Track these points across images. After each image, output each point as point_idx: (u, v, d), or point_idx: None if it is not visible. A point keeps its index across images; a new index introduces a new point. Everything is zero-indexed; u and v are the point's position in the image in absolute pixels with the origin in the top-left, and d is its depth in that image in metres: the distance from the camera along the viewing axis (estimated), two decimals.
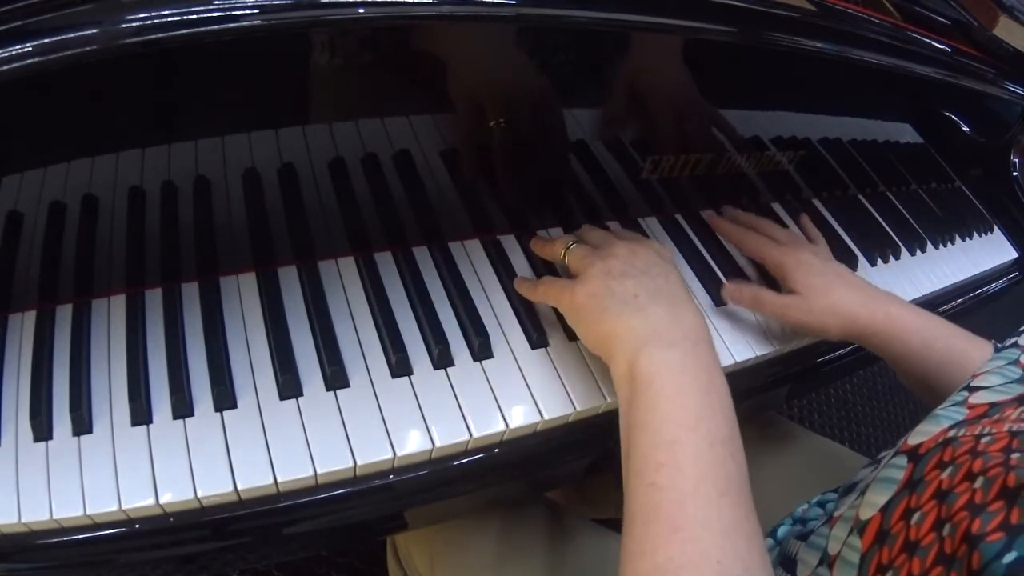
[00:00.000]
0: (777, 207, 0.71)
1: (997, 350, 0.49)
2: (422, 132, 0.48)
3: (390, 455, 0.43)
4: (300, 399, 0.44)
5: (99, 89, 0.37)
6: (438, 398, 0.46)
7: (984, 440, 0.31)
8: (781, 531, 0.52)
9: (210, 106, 0.42)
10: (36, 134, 0.39)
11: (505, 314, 0.52)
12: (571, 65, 0.49)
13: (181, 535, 0.41)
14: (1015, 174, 0.88)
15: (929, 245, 0.77)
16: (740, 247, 0.62)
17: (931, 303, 0.72)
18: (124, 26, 0.33)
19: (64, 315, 0.45)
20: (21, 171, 0.39)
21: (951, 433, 0.34)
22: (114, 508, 0.38)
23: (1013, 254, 0.87)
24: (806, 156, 0.69)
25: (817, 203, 0.74)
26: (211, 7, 0.34)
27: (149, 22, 0.33)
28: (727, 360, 0.54)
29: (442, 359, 0.48)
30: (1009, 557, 0.26)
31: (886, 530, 0.33)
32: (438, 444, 0.44)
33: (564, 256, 0.50)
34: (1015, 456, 0.29)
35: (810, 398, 1.50)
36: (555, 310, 0.53)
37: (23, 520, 0.38)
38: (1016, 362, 0.39)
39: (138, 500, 0.39)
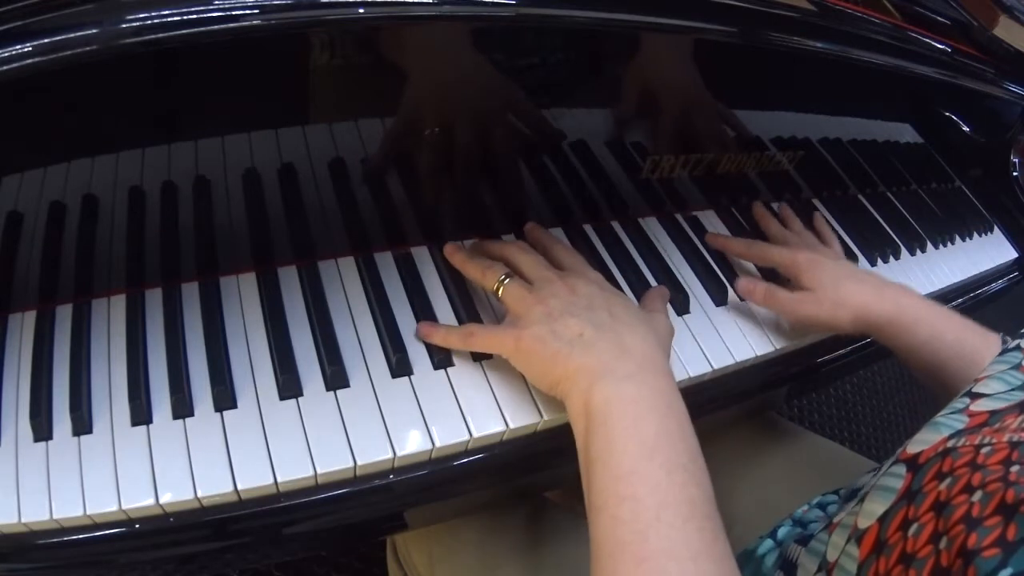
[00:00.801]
0: (777, 207, 0.71)
1: (1005, 343, 0.49)
2: (422, 132, 0.48)
3: (390, 455, 0.43)
4: (300, 399, 0.44)
5: (99, 89, 0.37)
6: (438, 398, 0.46)
7: (984, 451, 0.31)
8: (781, 532, 0.52)
9: (210, 106, 0.42)
10: (36, 134, 0.39)
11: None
12: (571, 65, 0.49)
13: (181, 535, 0.41)
14: (1015, 174, 0.88)
15: (929, 245, 0.77)
16: (748, 259, 0.63)
17: None
18: (124, 26, 0.33)
19: (64, 315, 0.45)
20: (21, 171, 0.39)
21: (951, 443, 0.34)
22: (114, 508, 0.38)
23: (1013, 254, 0.87)
24: (806, 156, 0.69)
25: (817, 203, 0.74)
26: (211, 7, 0.34)
27: (149, 22, 0.33)
28: (727, 360, 0.54)
29: (442, 359, 0.48)
30: (1004, 573, 0.26)
31: (883, 540, 0.33)
32: (438, 444, 0.44)
33: (498, 290, 0.47)
34: (1014, 469, 0.29)
35: (810, 398, 1.50)
36: None
37: (23, 520, 0.38)
38: (1018, 367, 0.39)
39: (138, 500, 0.39)
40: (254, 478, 0.40)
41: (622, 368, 0.41)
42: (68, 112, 0.38)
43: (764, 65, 0.58)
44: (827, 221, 0.72)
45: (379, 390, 0.46)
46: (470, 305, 0.51)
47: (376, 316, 0.49)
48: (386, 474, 0.44)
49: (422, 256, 0.54)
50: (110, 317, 0.46)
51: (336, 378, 0.45)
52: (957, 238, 0.81)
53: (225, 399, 0.43)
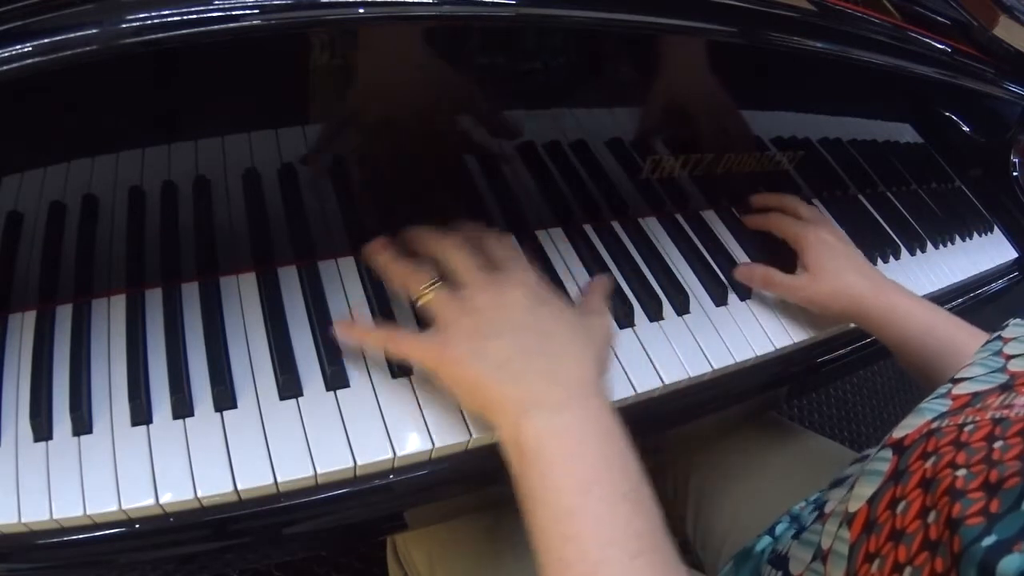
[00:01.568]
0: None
1: (986, 343, 0.50)
2: (422, 132, 0.48)
3: (390, 455, 0.43)
4: (300, 399, 0.44)
5: (99, 89, 0.37)
6: (438, 398, 0.46)
7: (967, 429, 0.32)
8: (779, 529, 0.52)
9: (210, 106, 0.42)
10: (36, 134, 0.39)
11: None
12: (571, 65, 0.49)
13: (181, 535, 0.41)
14: (1015, 174, 0.88)
15: (929, 245, 0.77)
16: (765, 227, 0.64)
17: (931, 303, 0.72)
18: (124, 26, 0.33)
19: (64, 315, 0.45)
20: (21, 171, 0.39)
21: (934, 424, 0.34)
22: (114, 508, 0.38)
23: (1013, 254, 0.86)
24: (806, 156, 0.69)
25: (817, 203, 0.74)
26: (211, 7, 0.34)
27: (149, 22, 0.33)
28: (727, 361, 0.54)
29: None
30: (988, 540, 0.26)
31: (872, 520, 0.34)
32: (438, 444, 0.44)
33: (420, 299, 0.44)
34: (997, 446, 0.29)
35: (810, 398, 1.50)
36: None
37: (23, 520, 0.38)
38: (999, 352, 0.39)
39: (138, 500, 0.39)
40: (254, 478, 0.40)
41: (552, 397, 0.39)
42: (68, 112, 0.38)
43: (764, 65, 0.58)
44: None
45: (379, 390, 0.45)
46: None
47: (376, 316, 0.49)
48: (386, 474, 0.44)
49: None
50: (110, 317, 0.46)
51: (336, 378, 0.45)
52: (957, 238, 0.81)
53: (225, 399, 0.43)
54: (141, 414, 0.42)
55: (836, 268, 0.56)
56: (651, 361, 0.52)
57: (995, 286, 0.83)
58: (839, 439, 1.34)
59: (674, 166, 0.61)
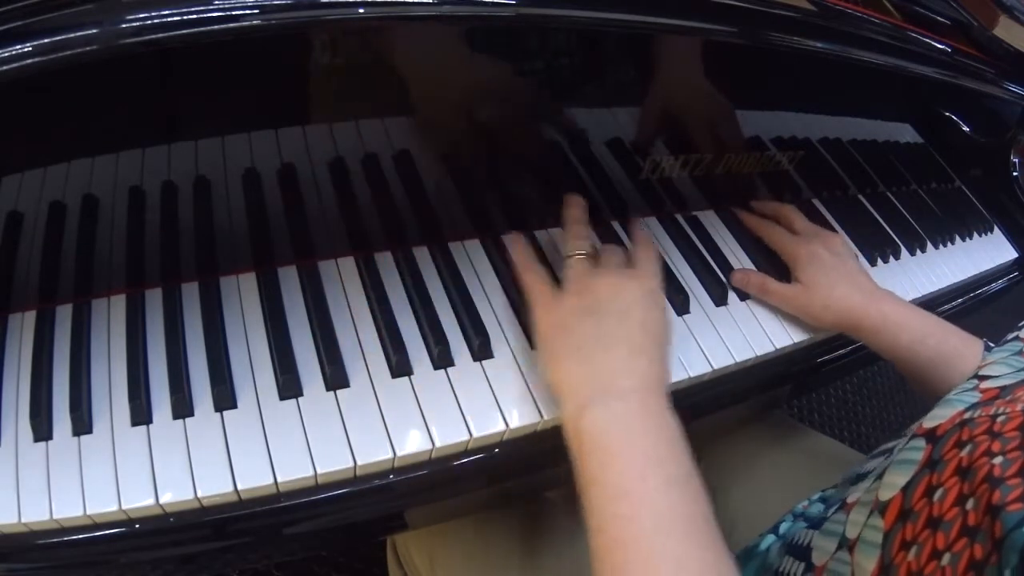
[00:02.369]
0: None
1: (988, 349, 0.50)
2: (422, 132, 0.48)
3: (390, 455, 0.43)
4: (300, 399, 0.44)
5: (99, 89, 0.37)
6: (438, 398, 0.46)
7: (999, 420, 0.32)
8: (783, 527, 0.53)
9: (210, 106, 0.42)
10: (36, 134, 0.39)
11: (505, 314, 0.52)
12: (571, 65, 0.49)
13: (181, 535, 0.41)
14: (1015, 174, 0.88)
15: (929, 245, 0.77)
16: (760, 236, 0.65)
17: (931, 303, 0.72)
18: (124, 26, 0.33)
19: (64, 315, 0.45)
20: (21, 171, 0.39)
21: (967, 415, 0.35)
22: (114, 508, 0.38)
23: (1013, 254, 0.86)
24: (806, 156, 0.69)
25: (817, 203, 0.74)
26: (211, 7, 0.34)
27: (149, 22, 0.33)
28: (727, 361, 0.54)
29: (442, 359, 0.48)
30: None
31: (908, 508, 0.34)
32: (438, 444, 0.44)
33: (574, 256, 0.50)
34: None
35: (810, 398, 1.50)
36: None
37: (23, 520, 0.38)
38: (1020, 353, 0.40)
39: (138, 500, 0.39)
40: (254, 478, 0.40)
41: (616, 387, 0.41)
42: (68, 112, 0.38)
43: (764, 65, 0.58)
44: (827, 221, 0.72)
45: (379, 390, 0.45)
46: (471, 305, 0.51)
47: (376, 316, 0.49)
48: (386, 474, 0.44)
49: (422, 256, 0.54)
50: (110, 317, 0.46)
51: (336, 378, 0.45)
52: (957, 238, 0.81)
53: (225, 399, 0.43)
54: (141, 414, 0.42)
55: (828, 282, 0.57)
56: None
57: (995, 286, 0.83)
58: (839, 439, 1.34)
59: (674, 166, 0.61)
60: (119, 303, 0.47)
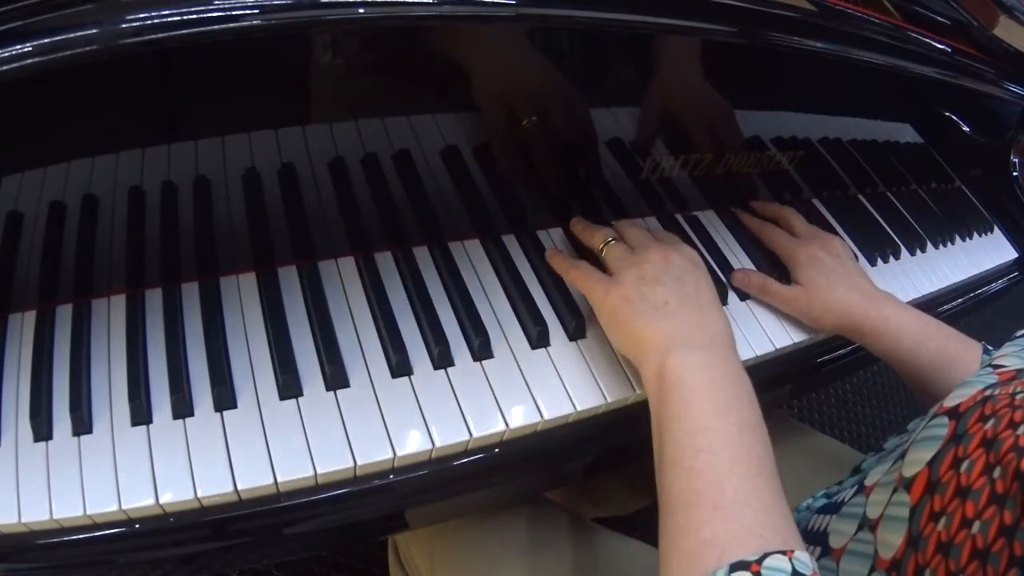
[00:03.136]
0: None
1: (987, 352, 0.51)
2: (422, 132, 0.48)
3: (390, 455, 0.43)
4: (300, 399, 0.44)
5: (99, 89, 0.37)
6: (438, 398, 0.46)
7: (1019, 396, 0.33)
8: None
9: (210, 106, 0.42)
10: (36, 134, 0.39)
11: (505, 314, 0.52)
12: (571, 65, 0.49)
13: (181, 535, 0.41)
14: (1015, 174, 0.88)
15: (929, 245, 0.77)
16: (759, 238, 0.65)
17: (931, 303, 0.72)
18: (124, 26, 0.33)
19: (64, 315, 0.45)
20: (21, 171, 0.39)
21: (987, 392, 0.36)
22: (114, 508, 0.38)
23: (1013, 254, 0.86)
24: (806, 156, 0.69)
25: (817, 203, 0.74)
26: (211, 7, 0.34)
27: (149, 22, 0.33)
28: None
29: (442, 359, 0.48)
30: None
31: (935, 481, 0.35)
32: (438, 444, 0.44)
33: (602, 250, 0.52)
34: None
35: (810, 397, 1.50)
36: (554, 310, 0.53)
37: (23, 520, 0.38)
38: None
39: (138, 500, 0.39)
40: (254, 478, 0.40)
41: (698, 338, 0.44)
42: (68, 112, 0.38)
43: (764, 65, 0.58)
44: (827, 221, 0.72)
45: (379, 390, 0.45)
46: (470, 304, 0.51)
47: (376, 316, 0.49)
48: (386, 474, 0.44)
49: (422, 256, 0.54)
50: (110, 317, 0.46)
51: (336, 378, 0.45)
52: (957, 238, 0.81)
53: (225, 399, 0.43)
54: (141, 414, 0.42)
55: (828, 284, 0.57)
56: None
57: (995, 286, 0.83)
58: (839, 439, 1.34)
59: (674, 166, 0.61)
60: (119, 303, 0.47)
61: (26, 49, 0.32)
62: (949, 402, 0.38)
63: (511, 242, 0.57)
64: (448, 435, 0.44)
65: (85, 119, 0.39)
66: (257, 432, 0.42)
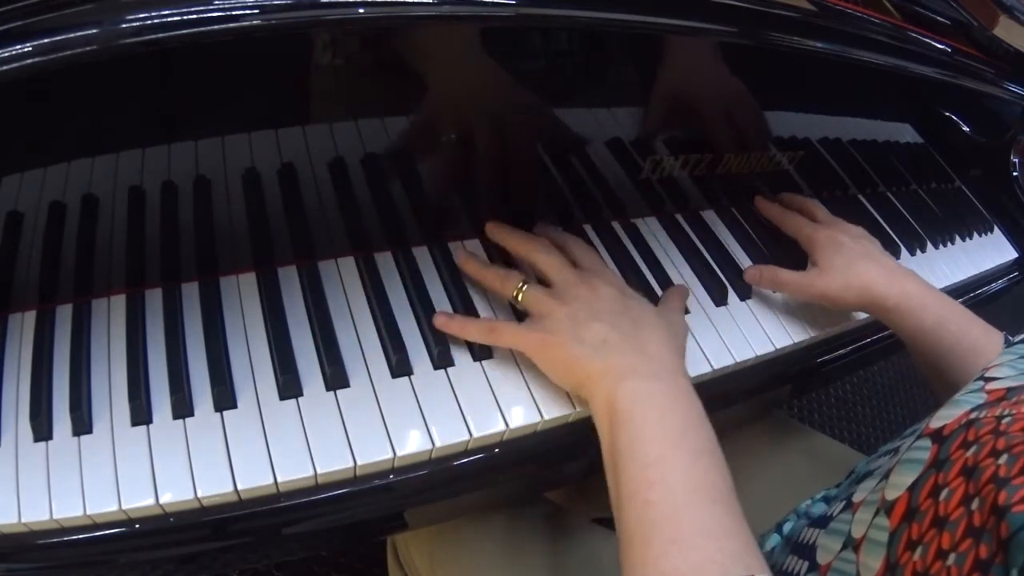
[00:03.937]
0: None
1: (1008, 344, 0.50)
2: (422, 132, 0.48)
3: (390, 455, 0.43)
4: (300, 399, 0.44)
5: (99, 89, 0.37)
6: (438, 398, 0.46)
7: (1005, 421, 0.32)
8: (787, 527, 0.52)
9: (210, 106, 0.42)
10: (36, 134, 0.39)
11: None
12: (571, 65, 0.49)
13: (181, 535, 0.41)
14: (1015, 174, 0.88)
15: (929, 245, 0.77)
16: (780, 226, 0.65)
17: None
18: (124, 26, 0.33)
19: (64, 315, 0.45)
20: (21, 171, 0.39)
21: (973, 415, 0.35)
22: (114, 508, 0.38)
23: (1013, 254, 0.86)
24: (806, 156, 0.69)
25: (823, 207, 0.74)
26: (211, 7, 0.34)
27: (149, 22, 0.33)
28: (727, 361, 0.54)
29: (442, 359, 0.48)
30: None
31: (914, 508, 0.34)
32: (438, 444, 0.44)
33: (518, 297, 0.48)
34: None
35: (810, 397, 1.50)
36: None
37: (23, 520, 0.38)
38: None
39: (138, 500, 0.39)
40: (254, 478, 0.40)
41: (646, 368, 0.43)
42: (68, 112, 0.38)
43: (764, 65, 0.58)
44: None
45: (379, 390, 0.45)
46: (470, 304, 0.51)
47: (376, 316, 0.49)
48: (386, 474, 0.44)
49: (422, 256, 0.54)
50: (110, 317, 0.46)
51: (336, 378, 0.45)
52: (957, 238, 0.81)
53: (225, 399, 0.43)
54: (141, 414, 0.42)
55: (846, 261, 0.57)
56: None
57: (995, 286, 0.83)
58: (839, 439, 1.34)
59: (674, 166, 0.61)
60: (119, 303, 0.47)
61: (26, 49, 0.32)
62: (935, 423, 0.37)
63: None
64: (448, 435, 0.44)
65: (85, 119, 0.39)
66: (257, 432, 0.42)
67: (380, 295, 0.50)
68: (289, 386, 0.44)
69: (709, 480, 0.38)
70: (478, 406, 0.46)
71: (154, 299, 0.47)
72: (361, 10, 0.38)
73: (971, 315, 0.54)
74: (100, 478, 0.39)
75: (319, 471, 0.41)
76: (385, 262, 0.52)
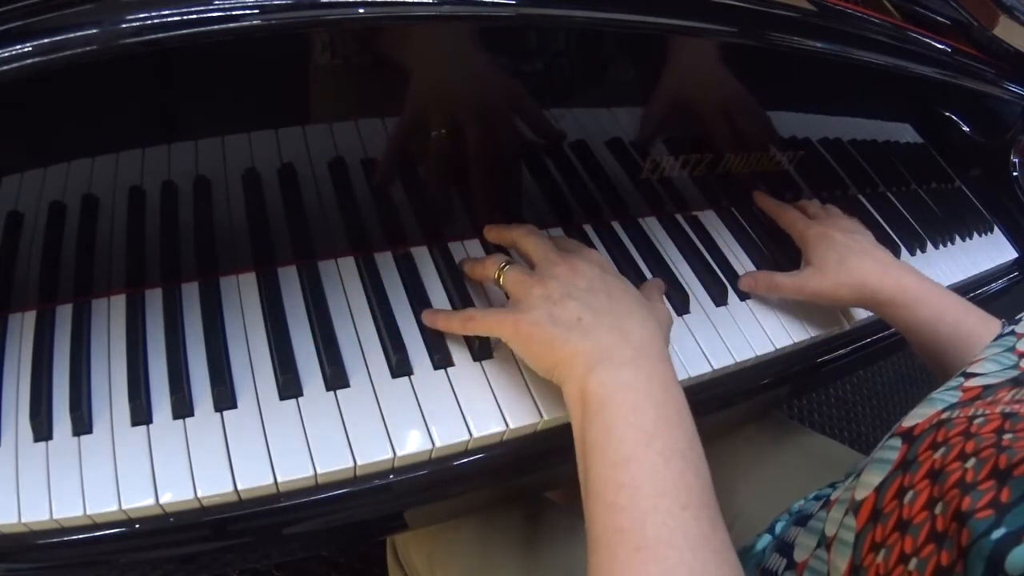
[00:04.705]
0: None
1: (997, 337, 0.50)
2: (423, 132, 0.48)
3: (390, 455, 0.43)
4: (300, 399, 0.44)
5: (99, 89, 0.37)
6: (438, 398, 0.46)
7: (977, 421, 0.32)
8: (779, 527, 0.52)
9: (210, 106, 0.42)
10: (36, 134, 0.39)
11: None
12: (571, 65, 0.49)
13: (181, 535, 0.41)
14: (1015, 174, 0.88)
15: (929, 245, 0.77)
16: (776, 219, 0.65)
17: None
18: (124, 26, 0.33)
19: (64, 315, 0.45)
20: (21, 171, 0.39)
21: (944, 415, 0.34)
22: (114, 508, 0.38)
23: (1013, 254, 0.87)
24: (806, 156, 0.69)
25: (817, 203, 0.74)
26: (211, 7, 0.34)
27: (149, 22, 0.33)
28: (727, 361, 0.54)
29: (442, 359, 0.48)
30: (998, 533, 0.26)
31: (879, 509, 0.34)
32: (438, 444, 0.44)
33: (499, 277, 0.47)
34: (1007, 437, 0.29)
35: (810, 398, 1.50)
36: None
37: (23, 520, 0.38)
38: (1012, 349, 0.39)
39: (138, 500, 0.39)
40: (254, 478, 0.40)
41: (619, 353, 0.40)
42: (68, 112, 0.38)
43: (764, 65, 0.58)
44: None
45: (379, 390, 0.46)
46: (470, 304, 0.51)
47: (376, 316, 0.49)
48: (386, 474, 0.44)
49: (422, 256, 0.54)
50: (110, 317, 0.46)
51: (336, 378, 0.45)
52: (957, 238, 0.81)
53: (225, 399, 0.43)
54: (141, 414, 0.42)
55: (839, 257, 0.56)
56: None
57: (995, 286, 0.83)
58: (839, 439, 1.34)
59: (674, 166, 0.61)
60: (119, 303, 0.47)
61: (26, 49, 0.32)
62: (907, 421, 0.36)
63: None
64: (448, 435, 0.44)
65: (85, 119, 0.39)
66: (257, 432, 0.42)
67: (380, 295, 0.50)
68: (289, 386, 0.44)
69: (681, 483, 0.36)
70: (478, 406, 0.46)
71: (154, 299, 0.47)
72: (361, 10, 0.38)
73: (969, 305, 0.54)
74: (100, 478, 0.39)
75: (319, 471, 0.41)
76: (385, 262, 0.52)
